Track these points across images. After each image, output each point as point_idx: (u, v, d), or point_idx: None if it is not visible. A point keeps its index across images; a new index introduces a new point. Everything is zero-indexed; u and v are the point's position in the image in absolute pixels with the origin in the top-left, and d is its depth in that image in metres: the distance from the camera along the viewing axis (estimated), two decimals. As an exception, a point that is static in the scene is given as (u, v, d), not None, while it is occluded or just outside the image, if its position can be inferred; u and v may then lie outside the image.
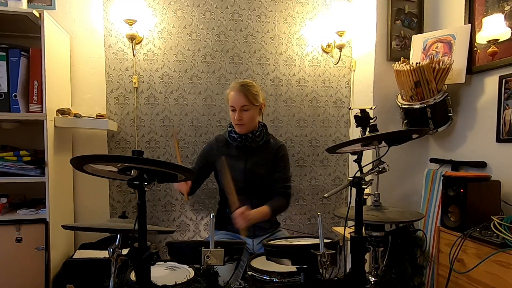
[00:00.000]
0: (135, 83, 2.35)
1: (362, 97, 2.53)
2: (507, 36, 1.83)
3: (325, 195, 1.24)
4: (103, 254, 2.00)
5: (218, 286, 1.17)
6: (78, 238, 2.29)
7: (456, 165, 2.17)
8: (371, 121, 1.42)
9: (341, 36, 2.47)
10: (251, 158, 1.97)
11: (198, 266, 1.21)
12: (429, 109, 2.07)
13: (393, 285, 1.33)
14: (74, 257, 2.01)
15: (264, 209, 1.87)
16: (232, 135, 1.98)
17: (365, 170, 1.21)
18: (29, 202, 2.01)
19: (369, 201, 1.70)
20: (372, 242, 1.35)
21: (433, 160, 2.37)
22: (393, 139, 1.29)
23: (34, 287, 1.82)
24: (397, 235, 1.39)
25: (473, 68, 2.05)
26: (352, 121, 2.64)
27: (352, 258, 1.20)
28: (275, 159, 2.01)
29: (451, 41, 2.13)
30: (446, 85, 2.10)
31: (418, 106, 2.09)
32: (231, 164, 1.92)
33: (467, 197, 1.74)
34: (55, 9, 2.21)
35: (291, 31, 2.56)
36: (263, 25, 2.52)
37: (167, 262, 1.41)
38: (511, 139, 1.85)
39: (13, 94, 1.80)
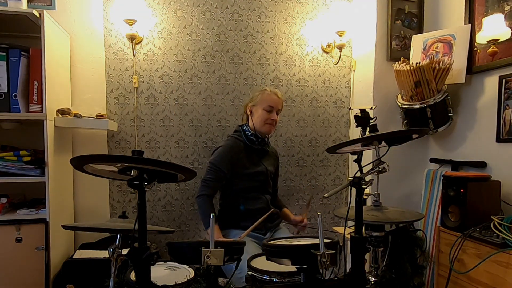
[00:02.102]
0: (135, 83, 2.35)
1: (362, 97, 2.53)
2: (507, 36, 1.83)
3: (325, 195, 1.24)
4: (103, 254, 2.00)
5: (218, 286, 1.17)
6: (78, 238, 2.28)
7: (456, 165, 2.17)
8: (371, 121, 1.43)
9: (341, 36, 2.47)
10: (266, 161, 2.17)
11: (198, 266, 1.21)
12: (429, 109, 2.07)
13: (393, 285, 1.33)
14: (74, 257, 2.00)
15: (289, 210, 2.27)
16: (252, 138, 2.09)
17: (365, 170, 1.21)
18: (29, 202, 2.01)
19: (369, 201, 1.70)
20: (372, 242, 1.35)
21: (433, 160, 2.37)
22: (393, 139, 1.29)
23: (34, 287, 1.82)
24: (397, 235, 1.39)
25: (473, 68, 2.05)
26: (352, 121, 2.64)
27: (352, 258, 1.20)
28: (276, 162, 2.28)
29: (451, 41, 2.13)
30: (446, 85, 2.10)
31: (418, 106, 2.09)
32: (254, 168, 2.09)
33: (467, 197, 1.74)
34: (55, 9, 2.21)
35: (291, 31, 2.56)
36: (263, 25, 2.52)
37: (167, 262, 1.41)
38: (511, 139, 1.85)
39: (13, 94, 1.80)
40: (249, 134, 2.09)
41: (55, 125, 1.94)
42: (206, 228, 1.95)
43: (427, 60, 2.03)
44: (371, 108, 1.65)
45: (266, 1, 2.51)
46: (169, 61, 2.40)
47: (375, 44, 2.38)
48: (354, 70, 2.64)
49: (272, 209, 2.00)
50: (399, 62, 2.16)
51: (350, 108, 2.66)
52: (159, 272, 1.32)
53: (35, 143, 2.01)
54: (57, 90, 2.02)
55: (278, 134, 2.57)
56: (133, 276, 1.20)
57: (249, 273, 1.34)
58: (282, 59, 2.55)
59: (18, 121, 2.00)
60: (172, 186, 2.44)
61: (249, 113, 2.13)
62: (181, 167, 1.06)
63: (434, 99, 2.05)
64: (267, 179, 2.14)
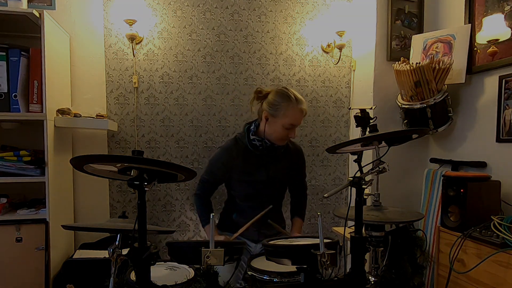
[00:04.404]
0: (135, 83, 2.35)
1: (362, 97, 2.53)
2: (507, 36, 1.83)
3: (325, 195, 1.24)
4: (103, 254, 2.00)
5: (218, 286, 1.17)
6: (78, 238, 2.29)
7: (456, 165, 2.16)
8: (371, 121, 1.42)
9: (341, 36, 2.47)
10: (273, 166, 1.89)
11: (198, 266, 1.21)
12: (429, 109, 2.07)
13: (393, 285, 1.33)
14: (74, 257, 2.01)
15: (300, 222, 1.99)
16: (255, 143, 1.84)
17: (365, 170, 1.21)
18: (29, 202, 2.01)
19: (369, 201, 1.69)
20: (372, 242, 1.35)
21: (433, 160, 2.37)
22: (393, 139, 1.28)
23: (34, 287, 1.82)
24: (397, 235, 1.39)
25: (473, 68, 2.05)
26: (352, 121, 2.64)
27: (352, 258, 1.20)
28: (296, 164, 2.00)
29: (451, 41, 2.13)
30: (446, 85, 2.10)
31: (418, 106, 2.09)
32: (251, 175, 1.86)
33: (467, 197, 1.74)
34: (55, 9, 2.21)
35: (291, 31, 2.56)
36: (263, 25, 2.52)
37: (167, 262, 1.40)
38: (511, 139, 1.85)
39: (13, 94, 1.80)
40: (254, 139, 1.84)
41: (55, 125, 1.94)
42: (203, 226, 1.91)
43: (427, 60, 2.03)
44: (371, 108, 1.65)
45: (266, 1, 2.51)
46: (169, 61, 2.40)
47: (375, 44, 2.38)
48: (354, 70, 2.64)
49: (270, 206, 1.80)
50: (399, 62, 2.16)
51: (350, 108, 2.66)
52: (159, 272, 1.32)
53: (35, 143, 2.01)
54: (57, 90, 2.02)
55: (278, 134, 2.57)
56: (133, 276, 1.20)
57: (249, 273, 1.34)
58: (282, 59, 2.55)
59: (18, 121, 2.00)
60: (172, 186, 2.44)
61: (264, 118, 1.81)
62: (181, 167, 1.06)
63: (434, 99, 2.05)
64: (269, 188, 1.89)
